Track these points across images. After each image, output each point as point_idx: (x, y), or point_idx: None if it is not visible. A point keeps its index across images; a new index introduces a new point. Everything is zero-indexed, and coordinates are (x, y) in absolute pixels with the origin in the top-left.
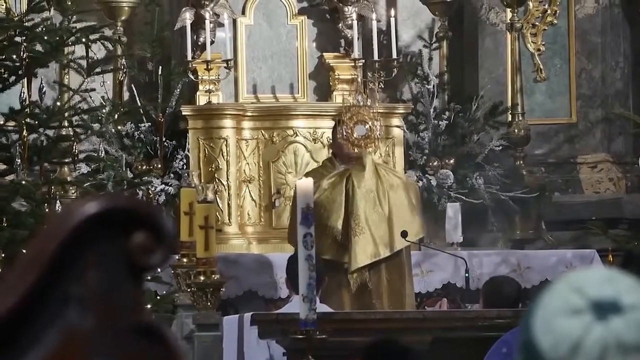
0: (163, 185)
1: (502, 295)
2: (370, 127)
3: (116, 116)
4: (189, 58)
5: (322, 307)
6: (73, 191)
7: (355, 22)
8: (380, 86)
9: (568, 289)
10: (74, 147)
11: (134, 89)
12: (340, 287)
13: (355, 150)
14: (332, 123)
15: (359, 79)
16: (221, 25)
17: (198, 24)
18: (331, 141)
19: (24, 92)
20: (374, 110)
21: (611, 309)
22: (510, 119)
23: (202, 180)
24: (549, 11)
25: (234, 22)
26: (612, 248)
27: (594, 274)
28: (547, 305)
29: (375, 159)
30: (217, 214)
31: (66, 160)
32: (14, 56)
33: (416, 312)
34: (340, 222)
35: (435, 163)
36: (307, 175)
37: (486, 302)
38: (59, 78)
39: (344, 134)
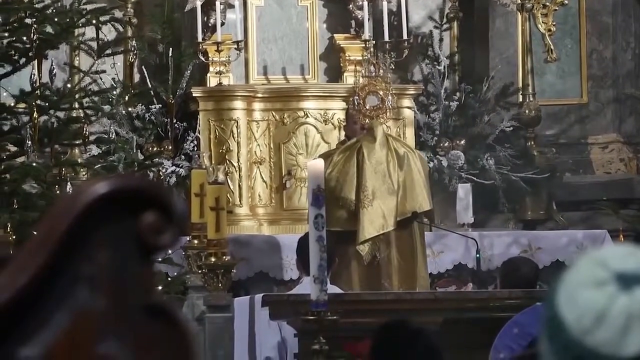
0: (174, 167)
1: (519, 276)
2: (382, 97)
3: (127, 98)
4: (200, 40)
5: (332, 289)
6: (84, 173)
7: (365, 3)
8: (390, 67)
9: (591, 264)
10: (85, 129)
11: (144, 70)
12: (349, 264)
13: (367, 121)
14: (342, 104)
15: (370, 53)
16: (231, 6)
17: (208, 6)
18: (344, 124)
19: (34, 74)
20: (386, 81)
21: (635, 280)
22: (521, 99)
23: (213, 162)
24: None
25: (245, 3)
26: (623, 228)
27: (616, 249)
28: (570, 280)
29: (387, 130)
30: (228, 195)
31: (77, 142)
32: (25, 38)
33: (427, 293)
34: (353, 193)
35: (446, 144)
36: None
37: (503, 282)
38: (70, 60)
39: (356, 104)
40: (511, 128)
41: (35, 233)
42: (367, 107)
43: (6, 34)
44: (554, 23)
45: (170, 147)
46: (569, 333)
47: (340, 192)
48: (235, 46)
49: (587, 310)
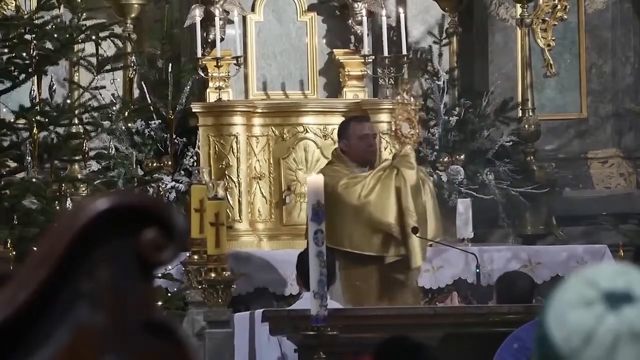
0: (173, 183)
1: (515, 291)
2: (415, 124)
3: (126, 113)
4: (199, 55)
5: (332, 304)
6: (83, 189)
7: (365, 19)
8: (390, 82)
9: (580, 283)
10: (84, 145)
11: (144, 86)
12: (372, 285)
13: (400, 146)
14: (342, 119)
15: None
16: (231, 22)
17: (208, 21)
18: (344, 140)
19: (34, 90)
20: (417, 109)
21: (624, 299)
22: (520, 114)
23: (213, 177)
24: (558, 6)
25: (244, 19)
26: (623, 243)
27: (605, 268)
28: (559, 299)
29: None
30: (228, 210)
31: (76, 158)
32: (24, 54)
33: (427, 308)
34: (395, 219)
35: (445, 159)
36: (321, 172)
37: (499, 297)
38: (69, 76)
39: (394, 129)
40: (511, 143)
41: (35, 249)
42: (403, 133)
43: (6, 50)
44: (553, 38)
45: (169, 163)
46: (559, 352)
47: (381, 216)
48: (235, 62)
49: (575, 329)
